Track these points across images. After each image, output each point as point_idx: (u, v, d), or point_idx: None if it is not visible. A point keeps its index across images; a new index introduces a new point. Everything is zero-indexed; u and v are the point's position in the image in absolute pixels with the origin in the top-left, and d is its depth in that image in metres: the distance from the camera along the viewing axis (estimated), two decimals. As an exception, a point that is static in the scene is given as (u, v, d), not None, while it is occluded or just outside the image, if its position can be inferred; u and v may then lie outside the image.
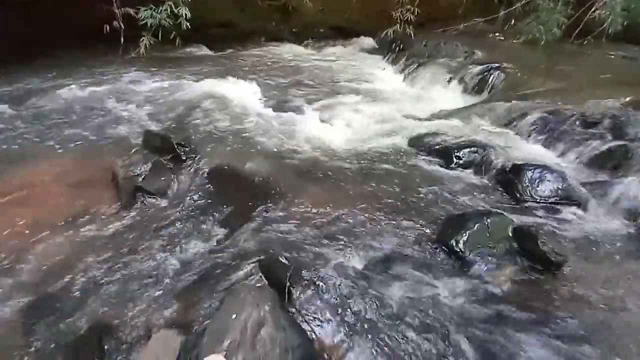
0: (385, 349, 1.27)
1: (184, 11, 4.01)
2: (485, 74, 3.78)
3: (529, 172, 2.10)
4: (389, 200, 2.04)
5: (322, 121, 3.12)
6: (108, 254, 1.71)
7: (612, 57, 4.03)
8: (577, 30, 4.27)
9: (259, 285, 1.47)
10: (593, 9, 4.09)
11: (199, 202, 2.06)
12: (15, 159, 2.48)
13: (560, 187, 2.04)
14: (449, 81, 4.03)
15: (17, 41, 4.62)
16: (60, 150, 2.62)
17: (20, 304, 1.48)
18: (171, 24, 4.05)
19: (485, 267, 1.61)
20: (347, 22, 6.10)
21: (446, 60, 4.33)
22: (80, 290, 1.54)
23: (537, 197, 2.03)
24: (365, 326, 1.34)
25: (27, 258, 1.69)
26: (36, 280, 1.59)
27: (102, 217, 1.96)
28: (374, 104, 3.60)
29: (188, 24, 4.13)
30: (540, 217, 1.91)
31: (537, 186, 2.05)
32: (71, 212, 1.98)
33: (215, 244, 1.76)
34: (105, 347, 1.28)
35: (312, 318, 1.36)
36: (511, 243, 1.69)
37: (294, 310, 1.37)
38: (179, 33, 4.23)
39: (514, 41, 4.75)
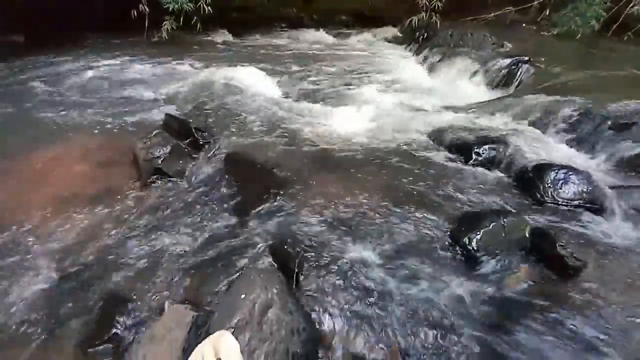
0: (388, 340, 1.28)
1: (204, -4, 4.02)
2: (513, 67, 3.60)
3: (552, 172, 2.00)
4: (404, 193, 2.02)
5: (341, 111, 3.09)
6: (127, 231, 1.80)
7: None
8: (615, 25, 3.99)
9: (268, 268, 1.50)
10: (632, 4, 3.81)
11: (214, 185, 2.11)
12: (45, 136, 2.61)
13: (584, 189, 1.95)
14: (474, 73, 3.87)
15: (49, 23, 4.78)
16: (86, 130, 2.73)
17: (44, 274, 1.59)
18: (192, 8, 4.08)
19: (498, 268, 1.57)
20: (369, 9, 5.93)
21: (473, 51, 4.14)
22: (99, 263, 1.63)
23: (559, 199, 1.94)
24: (371, 317, 1.35)
25: (51, 231, 1.79)
26: (59, 251, 1.69)
27: (123, 195, 2.04)
28: (395, 95, 3.52)
29: (209, 8, 4.15)
30: (561, 220, 1.83)
31: (560, 188, 1.96)
32: (94, 189, 2.08)
33: (228, 226, 1.81)
34: (122, 317, 1.36)
35: (318, 304, 1.38)
36: (528, 244, 1.64)
37: (301, 295, 1.40)
38: (200, 17, 4.26)
39: (547, 33, 4.49)
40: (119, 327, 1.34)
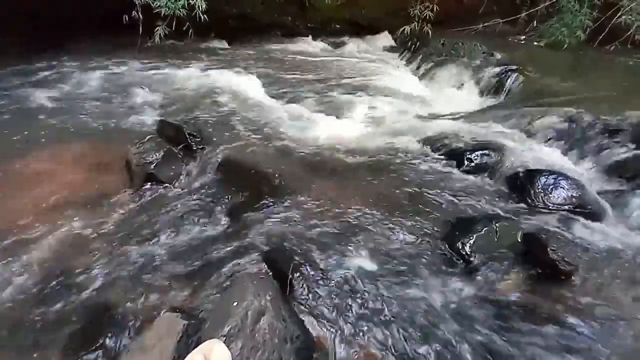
0: (384, 348, 1.27)
1: (200, 3, 4.05)
2: (503, 76, 3.69)
3: (543, 178, 2.04)
4: (397, 199, 2.03)
5: (334, 118, 3.12)
6: (118, 237, 1.77)
7: (638, 64, 3.86)
8: (601, 35, 4.13)
9: (262, 275, 1.49)
10: (619, 14, 3.94)
11: (207, 192, 2.10)
12: (35, 141, 2.57)
13: (575, 195, 1.98)
14: (465, 82, 3.95)
15: (47, 25, 4.75)
16: (77, 135, 2.70)
17: (33, 280, 1.55)
18: (185, 14, 4.10)
19: (492, 272, 1.58)
20: (364, 18, 6.03)
21: (463, 60, 4.23)
22: (89, 270, 1.59)
23: (549, 204, 1.97)
24: (365, 324, 1.34)
25: (40, 236, 1.75)
26: (48, 258, 1.65)
27: (115, 201, 2.01)
28: (387, 102, 3.56)
29: (205, 16, 4.18)
30: (552, 224, 1.86)
31: (551, 193, 1.99)
32: (85, 195, 2.05)
33: (221, 233, 1.79)
34: (111, 326, 1.32)
35: (312, 311, 1.37)
36: (520, 249, 1.65)
37: (295, 302, 1.39)
38: (195, 24, 4.28)
39: (535, 43, 4.62)
40: (107, 336, 1.30)
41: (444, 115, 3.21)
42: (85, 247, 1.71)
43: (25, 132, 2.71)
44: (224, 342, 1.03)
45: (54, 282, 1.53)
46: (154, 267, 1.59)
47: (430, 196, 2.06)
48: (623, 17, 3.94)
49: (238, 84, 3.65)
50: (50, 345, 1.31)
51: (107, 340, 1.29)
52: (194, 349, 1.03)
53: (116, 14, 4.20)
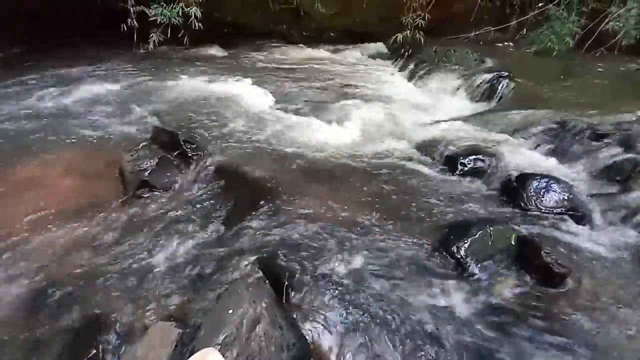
0: (381, 353, 1.27)
1: (194, 11, 4.09)
2: (494, 82, 3.75)
3: (535, 181, 2.07)
4: (392, 204, 2.04)
5: (328, 124, 3.13)
6: (111, 246, 1.75)
7: (625, 69, 3.97)
8: (589, 41, 4.23)
9: (257, 282, 1.47)
10: (606, 21, 4.05)
11: (202, 198, 2.09)
12: (28, 149, 2.55)
13: (566, 198, 2.01)
14: (457, 88, 4.01)
15: (47, 25, 4.74)
16: (70, 142, 2.68)
17: (23, 290, 1.52)
18: (181, 22, 4.13)
19: (486, 276, 1.59)
20: (358, 26, 6.12)
21: (456, 67, 4.31)
22: (81, 279, 1.57)
23: (542, 208, 2.00)
24: (362, 329, 1.34)
25: (32, 246, 1.73)
26: (39, 268, 1.63)
27: (107, 210, 2.00)
28: (381, 108, 3.59)
29: (200, 24, 4.22)
30: (545, 227, 1.88)
31: (543, 196, 2.02)
32: (77, 203, 2.03)
33: (216, 240, 1.78)
34: (105, 336, 1.30)
35: (309, 318, 1.36)
36: (514, 252, 1.67)
37: (291, 309, 1.38)
38: (191, 32, 4.31)
39: (526, 50, 4.72)
40: (100, 347, 1.28)
41: (437, 121, 3.25)
42: (77, 256, 1.68)
43: (17, 139, 2.68)
44: (219, 351, 1.02)
45: (46, 292, 1.51)
46: (148, 275, 1.58)
47: (425, 201, 2.07)
48: (610, 23, 4.04)
49: (232, 91, 3.67)
50: (42, 356, 1.28)
51: (100, 351, 1.27)
52: (188, 358, 1.01)
53: (116, 14, 4.22)
